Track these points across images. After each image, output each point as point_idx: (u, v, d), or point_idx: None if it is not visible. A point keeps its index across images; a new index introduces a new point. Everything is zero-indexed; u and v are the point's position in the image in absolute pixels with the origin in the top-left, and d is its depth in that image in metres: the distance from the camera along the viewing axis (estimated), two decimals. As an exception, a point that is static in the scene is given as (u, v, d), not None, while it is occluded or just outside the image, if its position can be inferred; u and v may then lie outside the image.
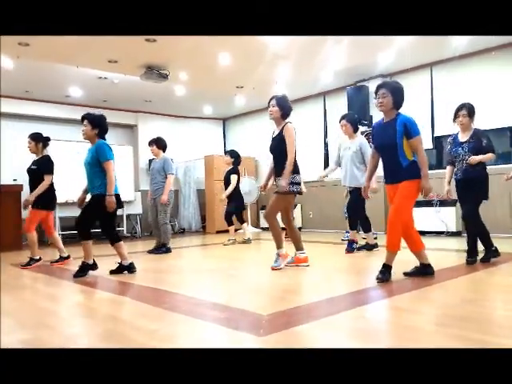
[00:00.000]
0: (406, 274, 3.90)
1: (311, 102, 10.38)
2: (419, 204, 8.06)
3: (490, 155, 4.45)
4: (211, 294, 3.72)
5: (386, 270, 3.75)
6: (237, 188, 7.66)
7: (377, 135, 3.97)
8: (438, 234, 7.77)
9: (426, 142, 8.32)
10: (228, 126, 12.90)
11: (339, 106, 9.29)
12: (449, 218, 7.70)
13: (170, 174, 6.62)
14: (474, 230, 4.53)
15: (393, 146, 3.73)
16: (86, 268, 4.59)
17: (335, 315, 2.80)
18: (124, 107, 11.03)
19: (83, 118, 4.70)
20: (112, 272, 4.68)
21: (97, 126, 4.68)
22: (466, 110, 4.53)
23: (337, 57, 7.58)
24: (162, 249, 6.54)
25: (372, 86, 8.77)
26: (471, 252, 4.53)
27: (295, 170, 4.57)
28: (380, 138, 3.90)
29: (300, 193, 4.67)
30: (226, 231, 8.00)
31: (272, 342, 2.31)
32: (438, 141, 8.33)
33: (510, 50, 7.29)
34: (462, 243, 4.73)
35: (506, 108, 7.33)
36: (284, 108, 4.65)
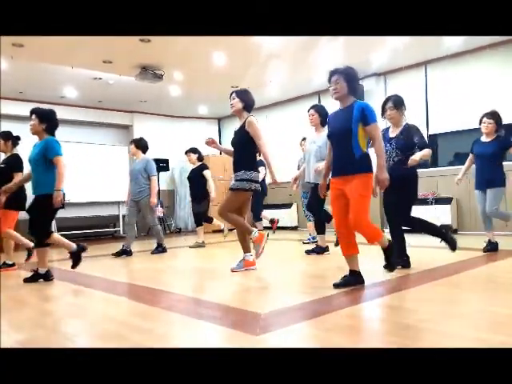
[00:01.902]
0: (335, 285, 3.50)
1: (306, 101, 10.38)
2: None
3: (427, 151, 4.10)
4: (207, 293, 3.73)
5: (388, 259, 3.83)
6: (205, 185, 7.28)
7: (332, 123, 3.67)
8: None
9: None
10: (223, 126, 12.90)
11: (334, 105, 9.30)
12: (444, 215, 7.72)
13: (152, 175, 6.51)
14: (400, 235, 4.27)
15: (347, 133, 3.42)
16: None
17: (331, 313, 2.81)
18: (119, 107, 11.02)
19: (31, 112, 4.46)
20: (26, 280, 4.37)
21: (45, 120, 4.41)
22: (392, 103, 4.23)
23: (331, 56, 7.59)
24: (158, 248, 6.57)
25: (367, 85, 8.81)
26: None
27: (251, 167, 4.44)
28: (334, 125, 3.60)
29: (254, 190, 4.46)
30: (222, 231, 7.97)
31: (269, 340, 2.32)
32: (432, 139, 8.36)
33: (504, 47, 7.33)
34: (458, 241, 4.73)
35: (501, 105, 7.36)
36: (245, 101, 4.50)
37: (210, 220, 7.51)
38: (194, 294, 3.67)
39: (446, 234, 4.32)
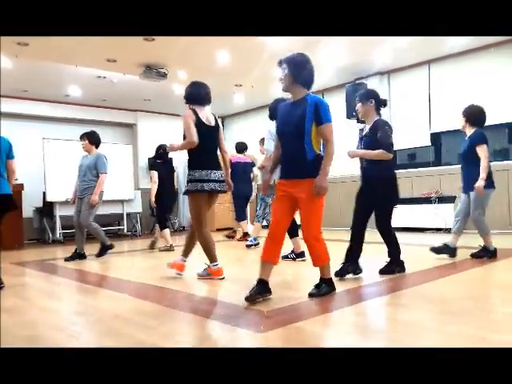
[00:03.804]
0: (310, 294, 3.21)
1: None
2: (418, 201, 8.11)
3: (378, 152, 3.74)
4: (211, 291, 3.75)
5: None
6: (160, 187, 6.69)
7: (281, 117, 3.23)
8: (437, 230, 7.80)
9: (424, 139, 8.39)
10: (227, 125, 12.91)
11: (338, 103, 9.31)
12: (448, 214, 7.71)
13: (102, 173, 5.94)
14: (391, 238, 3.93)
15: (299, 130, 3.03)
16: None
17: (334, 311, 2.83)
18: (123, 106, 11.05)
19: None
20: None
21: None
22: (358, 97, 3.95)
23: (335, 54, 7.60)
24: (102, 252, 6.00)
25: (370, 84, 8.81)
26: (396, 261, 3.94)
27: (196, 166, 3.96)
28: (285, 120, 3.18)
29: (206, 191, 3.96)
30: (227, 229, 7.92)
31: (272, 337, 2.33)
32: (435, 137, 8.35)
33: (507, 46, 7.31)
34: (461, 240, 4.74)
35: (504, 104, 7.35)
36: (186, 91, 4.12)
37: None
38: (198, 292, 3.69)
39: (396, 262, 3.96)
